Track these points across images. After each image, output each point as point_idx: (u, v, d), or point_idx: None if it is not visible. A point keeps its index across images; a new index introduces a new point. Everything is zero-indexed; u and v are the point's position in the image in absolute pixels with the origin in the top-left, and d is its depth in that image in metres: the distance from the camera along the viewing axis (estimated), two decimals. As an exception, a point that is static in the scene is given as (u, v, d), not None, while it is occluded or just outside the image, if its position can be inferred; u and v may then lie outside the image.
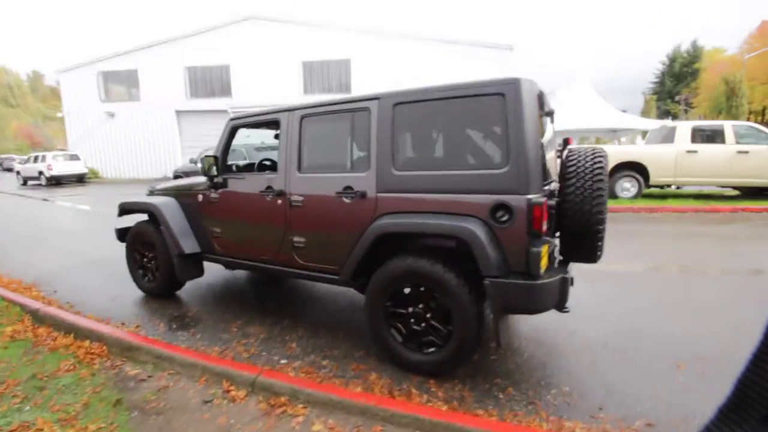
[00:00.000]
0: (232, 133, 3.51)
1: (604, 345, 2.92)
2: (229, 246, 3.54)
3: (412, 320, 2.59)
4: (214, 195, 3.56)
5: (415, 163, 2.60)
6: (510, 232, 2.27)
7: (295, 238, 3.07)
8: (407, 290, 2.58)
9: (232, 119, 3.50)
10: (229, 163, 3.75)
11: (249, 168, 4.03)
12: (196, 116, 21.81)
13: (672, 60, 51.77)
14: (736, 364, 2.12)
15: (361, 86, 19.74)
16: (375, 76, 19.53)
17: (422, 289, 2.53)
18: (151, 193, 4.32)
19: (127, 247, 4.19)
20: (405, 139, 2.62)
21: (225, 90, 21.59)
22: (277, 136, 4.19)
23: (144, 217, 4.24)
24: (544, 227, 2.23)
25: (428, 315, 2.53)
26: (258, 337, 3.16)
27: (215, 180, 3.50)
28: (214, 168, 3.43)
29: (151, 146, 22.51)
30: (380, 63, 19.71)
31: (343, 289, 4.16)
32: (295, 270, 3.15)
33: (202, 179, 3.84)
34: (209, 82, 21.66)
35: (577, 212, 2.51)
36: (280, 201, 3.11)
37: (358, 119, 2.80)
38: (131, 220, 4.34)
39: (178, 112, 22.09)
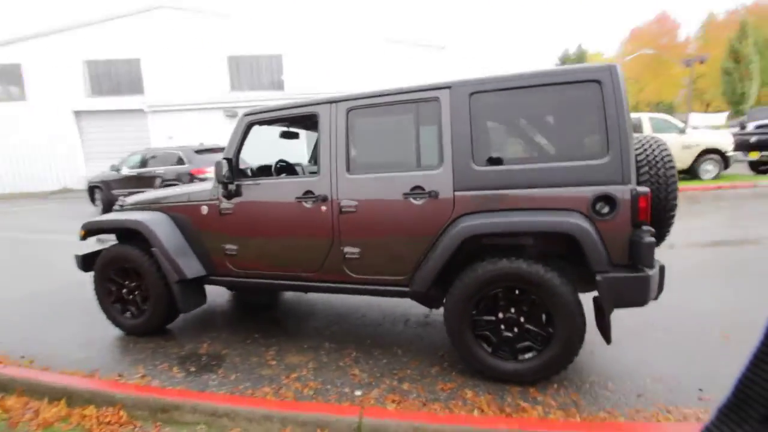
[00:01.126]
0: (246, 131, 2.96)
1: (680, 327, 3.02)
2: (250, 265, 3.00)
3: (503, 327, 2.40)
4: (226, 205, 2.98)
5: (499, 158, 2.40)
6: (612, 225, 2.19)
7: (347, 249, 2.67)
8: (494, 295, 2.38)
9: (246, 114, 2.95)
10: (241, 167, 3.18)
11: (266, 171, 3.46)
12: (100, 117, 19.00)
13: (562, 62, 58.34)
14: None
15: (295, 84, 18.89)
16: (310, 74, 18.81)
17: (517, 292, 2.35)
18: (122, 208, 3.52)
19: (96, 276, 3.35)
20: (485, 132, 2.41)
21: (135, 86, 19.12)
22: (285, 135, 3.71)
23: (113, 239, 3.45)
24: (649, 217, 2.19)
25: (522, 319, 2.36)
26: (306, 366, 2.71)
27: (230, 187, 2.93)
28: (228, 173, 2.86)
29: (43, 154, 19.12)
30: (315, 60, 19.03)
31: (365, 300, 3.81)
32: (345, 285, 2.75)
33: (199, 187, 3.22)
34: (115, 77, 18.98)
35: (653, 199, 2.52)
36: (324, 208, 2.69)
37: (424, 110, 2.51)
38: (89, 244, 3.49)
39: (77, 113, 19.04)
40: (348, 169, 2.65)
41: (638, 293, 2.18)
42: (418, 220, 2.50)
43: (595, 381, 2.41)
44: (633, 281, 2.16)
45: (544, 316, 2.32)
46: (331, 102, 2.69)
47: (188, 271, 3.07)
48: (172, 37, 18.58)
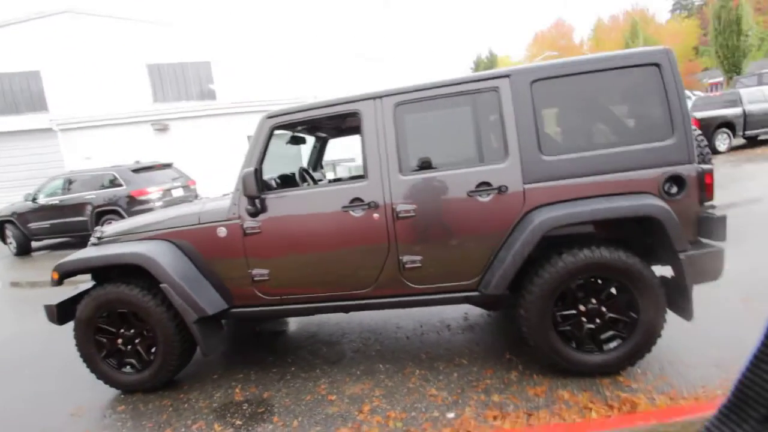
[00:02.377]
0: (269, 135, 2.57)
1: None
2: (286, 290, 2.61)
3: (584, 319, 2.33)
4: (251, 224, 2.56)
5: (567, 146, 2.32)
6: (682, 204, 2.22)
7: (406, 258, 2.43)
8: (573, 288, 2.30)
9: (269, 116, 2.56)
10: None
11: (289, 181, 3.04)
12: (-7, 140, 16.16)
13: (477, 66, 62.37)
14: None
15: (228, 93, 17.74)
16: (244, 83, 17.79)
17: (599, 282, 2.29)
18: (101, 240, 2.90)
19: (79, 328, 2.71)
20: (550, 120, 2.32)
21: (36, 103, 16.60)
22: (293, 140, 3.34)
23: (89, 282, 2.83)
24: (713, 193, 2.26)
25: (604, 309, 2.31)
26: (373, 395, 2.41)
27: (256, 203, 2.52)
28: (255, 185, 2.45)
29: None
30: (249, 68, 18.04)
31: (391, 313, 3.56)
32: (405, 298, 2.50)
33: (211, 206, 2.76)
34: (10, 94, 16.31)
35: None
36: (377, 215, 2.42)
37: (483, 101, 2.35)
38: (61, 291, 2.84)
39: (-40, 138, 16.00)
40: (401, 170, 2.40)
41: (716, 268, 2.23)
42: (486, 218, 2.34)
43: (671, 360, 2.44)
44: (712, 257, 2.21)
45: (629, 304, 2.29)
46: (375, 97, 2.43)
47: (209, 307, 2.59)
48: (79, 46, 16.42)
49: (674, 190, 2.23)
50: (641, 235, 2.45)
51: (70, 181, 9.29)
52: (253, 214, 2.54)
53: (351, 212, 2.44)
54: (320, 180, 3.76)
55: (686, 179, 2.21)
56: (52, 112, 16.34)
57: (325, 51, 18.73)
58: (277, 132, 2.63)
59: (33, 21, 15.99)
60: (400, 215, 2.39)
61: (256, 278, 2.61)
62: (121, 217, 8.63)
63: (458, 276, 2.43)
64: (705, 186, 2.23)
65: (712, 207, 2.29)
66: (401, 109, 2.41)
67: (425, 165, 2.44)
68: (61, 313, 2.77)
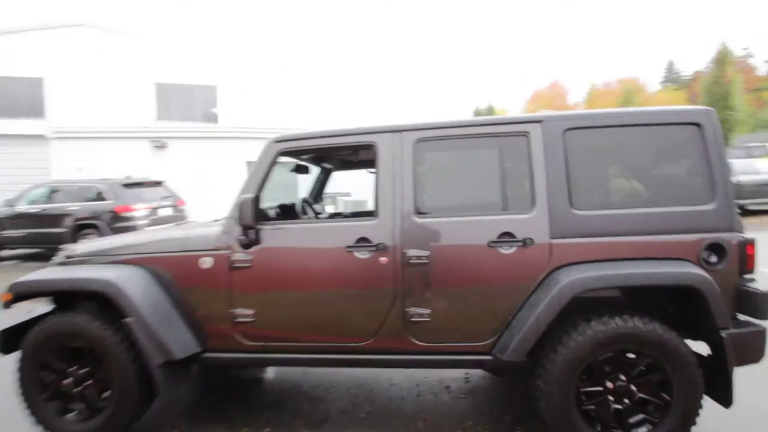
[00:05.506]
0: (274, 161, 2.34)
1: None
2: (272, 334, 2.28)
3: (611, 398, 2.03)
4: (241, 257, 2.27)
5: (599, 201, 2.13)
6: (720, 275, 2.01)
7: (413, 311, 2.14)
8: (600, 362, 2.02)
9: (277, 141, 2.34)
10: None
11: (289, 212, 2.78)
12: (-16, 142, 15.77)
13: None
14: None
15: (231, 116, 17.84)
16: (247, 109, 17.94)
17: (628, 356, 2.02)
18: (69, 260, 2.57)
19: (24, 360, 2.32)
20: (583, 172, 2.13)
21: (35, 109, 16.43)
22: (298, 168, 3.12)
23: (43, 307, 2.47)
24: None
25: (634, 387, 2.02)
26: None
27: (250, 233, 2.25)
28: (252, 215, 2.19)
29: None
30: (253, 95, 18.28)
31: (382, 374, 3.20)
32: (407, 357, 2.19)
33: (198, 233, 2.48)
34: (10, 97, 16.15)
35: None
36: (384, 259, 2.16)
37: (511, 146, 2.18)
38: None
39: (-51, 136, 15.60)
40: (416, 212, 2.17)
41: (758, 348, 2.00)
42: (506, 272, 2.09)
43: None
44: (755, 336, 1.98)
45: (662, 384, 2.01)
46: (394, 131, 2.24)
47: (179, 349, 2.24)
48: (86, 58, 16.55)
49: (714, 259, 2.03)
50: (669, 305, 2.22)
51: (54, 191, 8.92)
52: (246, 246, 2.26)
53: (356, 253, 2.18)
54: (320, 213, 3.52)
55: (727, 248, 2.01)
56: (49, 119, 16.15)
57: (330, 84, 19.13)
58: (282, 159, 2.41)
59: (45, 30, 16.16)
60: (411, 261, 2.13)
61: (238, 319, 2.29)
62: (101, 233, 8.21)
63: (471, 336, 2.14)
64: (746, 257, 2.03)
65: (752, 280, 2.08)
66: (422, 146, 2.22)
67: (444, 208, 2.22)
68: (6, 340, 2.39)
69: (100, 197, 8.55)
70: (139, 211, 8.45)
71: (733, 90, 20.50)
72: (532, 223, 2.09)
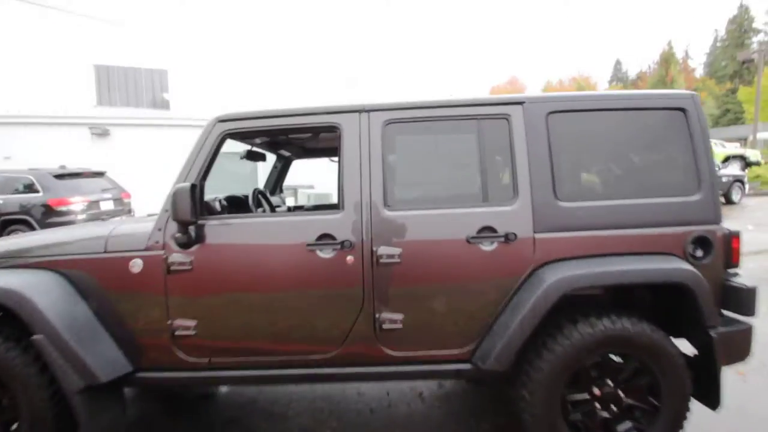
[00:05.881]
0: (219, 144, 1.98)
1: None
2: (220, 347, 1.95)
3: (598, 406, 1.89)
4: (179, 258, 1.91)
5: (585, 191, 1.96)
6: (706, 270, 1.90)
7: (385, 316, 1.89)
8: (587, 367, 1.87)
9: (221, 120, 1.98)
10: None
11: (240, 205, 2.40)
12: None
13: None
14: None
15: (184, 103, 16.70)
16: (203, 96, 16.84)
17: (615, 360, 1.87)
18: None
19: None
20: (567, 159, 1.95)
21: (-48, 91, 14.51)
22: (250, 156, 2.74)
23: None
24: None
25: (621, 393, 1.88)
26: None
27: (189, 230, 1.89)
28: (191, 208, 1.83)
29: None
30: (209, 81, 17.17)
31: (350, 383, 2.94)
32: (378, 369, 1.94)
33: (123, 230, 2.08)
34: None
35: None
36: (351, 258, 1.88)
37: (490, 129, 1.95)
38: None
39: None
40: (386, 204, 1.90)
41: (745, 347, 1.91)
42: (487, 271, 1.88)
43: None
44: (743, 334, 1.89)
45: (650, 388, 1.88)
46: (361, 111, 1.95)
47: (104, 371, 1.86)
48: (14, 36, 14.81)
49: (699, 253, 1.92)
50: (647, 302, 2.11)
51: (-29, 183, 7.85)
52: (184, 245, 1.90)
53: (318, 252, 1.88)
54: (278, 207, 3.17)
55: (713, 241, 1.91)
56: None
57: (299, 71, 18.35)
58: (231, 143, 2.05)
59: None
60: (382, 260, 1.87)
61: (178, 332, 1.93)
62: (32, 229, 7.35)
63: (448, 343, 1.92)
64: (732, 250, 1.94)
65: (735, 275, 2.00)
66: (392, 129, 1.94)
67: (417, 200, 1.97)
68: None
69: (30, 189, 7.63)
70: (77, 204, 7.62)
71: (676, 87, 21.85)
72: (514, 216, 1.88)
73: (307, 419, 2.42)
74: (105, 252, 1.98)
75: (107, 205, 8.15)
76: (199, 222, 1.91)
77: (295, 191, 9.24)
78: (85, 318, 1.93)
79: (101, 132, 13.49)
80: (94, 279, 1.97)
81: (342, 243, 1.87)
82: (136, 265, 1.94)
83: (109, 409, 1.97)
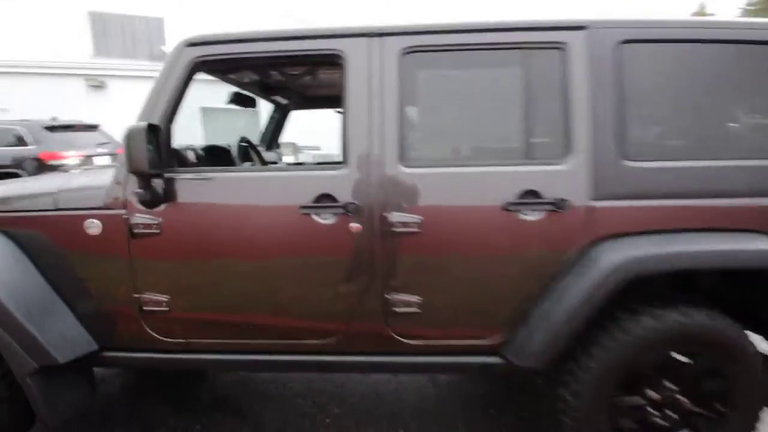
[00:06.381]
0: (189, 75, 1.55)
1: None
2: (196, 325, 1.62)
3: (654, 412, 1.56)
4: (143, 219, 1.54)
5: (663, 149, 1.53)
6: None
7: (397, 298, 1.53)
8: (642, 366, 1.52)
9: (191, 43, 1.53)
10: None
11: (221, 157, 2.01)
12: None
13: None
14: None
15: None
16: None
17: (681, 359, 1.52)
18: None
19: None
20: (642, 106, 1.50)
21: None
22: (237, 99, 2.31)
23: None
24: None
25: (683, 398, 1.55)
26: None
27: (154, 185, 1.50)
28: (155, 156, 1.44)
29: None
30: (209, 29, 16.17)
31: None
32: (388, 359, 1.61)
33: (78, 182, 1.71)
34: None
35: None
36: (356, 225, 1.50)
37: (539, 63, 1.50)
38: None
39: None
40: (402, 159, 1.49)
41: None
42: (527, 246, 1.49)
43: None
44: None
45: (720, 393, 1.54)
46: (370, 34, 1.49)
47: (60, 351, 1.55)
48: (2, -24, 13.86)
49: None
50: (714, 289, 1.73)
51: (-39, 134, 7.48)
52: (149, 203, 1.52)
53: (314, 216, 1.50)
54: (273, 163, 2.76)
55: None
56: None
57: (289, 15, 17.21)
58: (204, 76, 1.62)
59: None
60: (395, 229, 1.48)
61: (147, 307, 1.60)
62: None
63: (473, 331, 1.57)
64: None
65: None
66: (412, 60, 1.49)
67: (442, 155, 1.56)
68: None
69: (20, 142, 7.27)
70: (70, 158, 7.25)
71: None
72: (566, 178, 1.46)
73: (307, 403, 2.14)
74: (55, 209, 1.61)
75: (102, 160, 7.77)
76: (167, 175, 1.53)
77: (294, 146, 8.66)
78: (37, 288, 1.60)
79: (98, 84, 12.94)
80: (47, 241, 1.62)
81: (345, 206, 1.48)
82: (93, 226, 1.58)
83: (71, 391, 1.68)
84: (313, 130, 8.12)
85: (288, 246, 1.54)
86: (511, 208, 1.46)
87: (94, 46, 15.66)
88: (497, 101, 1.56)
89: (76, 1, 14.94)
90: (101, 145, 7.91)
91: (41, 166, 7.12)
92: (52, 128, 7.40)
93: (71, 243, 1.60)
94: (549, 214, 1.47)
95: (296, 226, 1.51)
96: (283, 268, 1.56)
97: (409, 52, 1.48)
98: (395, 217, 1.48)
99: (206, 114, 12.62)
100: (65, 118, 8.34)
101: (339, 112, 2.94)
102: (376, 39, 1.48)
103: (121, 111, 11.71)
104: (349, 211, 1.48)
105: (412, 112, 1.51)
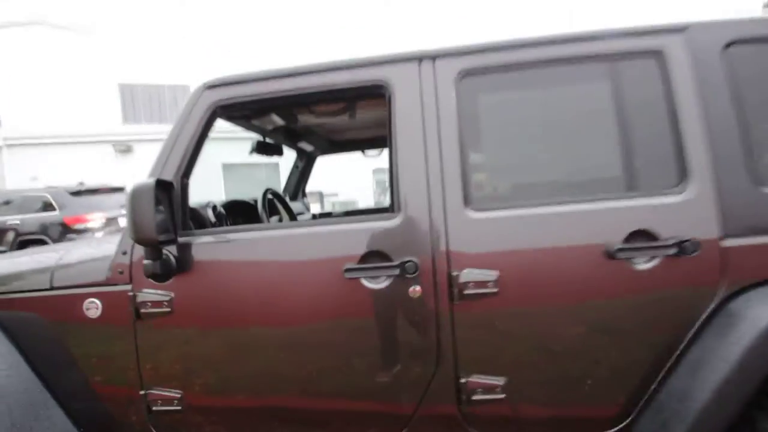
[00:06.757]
0: (209, 121, 1.32)
1: None
2: (228, 428, 1.28)
3: None
4: (152, 295, 1.26)
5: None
6: None
7: (475, 381, 1.17)
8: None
9: (210, 86, 1.32)
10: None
11: (247, 211, 1.76)
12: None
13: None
14: None
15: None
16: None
17: None
18: None
19: None
20: (761, 118, 1.19)
21: (-15, 117, 14.91)
22: (261, 148, 2.11)
23: None
24: None
25: None
26: None
27: (165, 254, 1.23)
28: (162, 217, 1.19)
29: None
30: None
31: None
32: None
33: (79, 254, 1.46)
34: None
35: None
36: (416, 288, 1.17)
37: (630, 76, 1.22)
38: None
39: None
40: (467, 201, 1.19)
41: None
42: (643, 304, 1.13)
43: None
44: None
45: None
46: (421, 58, 1.25)
47: None
48: (42, 59, 15.14)
49: None
50: None
51: (-6, 203, 7.67)
52: (159, 276, 1.24)
53: (363, 281, 1.19)
54: (301, 215, 2.50)
55: None
56: (4, 127, 14.67)
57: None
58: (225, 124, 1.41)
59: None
60: (467, 291, 1.15)
61: (156, 406, 1.28)
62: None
63: (577, 415, 1.18)
64: None
65: None
66: (472, 84, 1.23)
67: (517, 193, 1.25)
68: None
69: (47, 207, 7.36)
70: (94, 221, 7.28)
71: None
72: (686, 212, 1.13)
73: None
74: (51, 288, 1.35)
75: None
76: (181, 240, 1.26)
77: (320, 195, 8.49)
78: (25, 387, 1.31)
79: (125, 149, 13.47)
80: (40, 327, 1.35)
81: (401, 266, 1.17)
82: (93, 307, 1.30)
83: None
84: (325, 175, 8.03)
85: (332, 318, 1.22)
86: (618, 255, 1.12)
87: (122, 114, 16.61)
88: (583, 123, 1.26)
89: (107, 74, 16.07)
90: (125, 206, 7.97)
91: (65, 231, 7.14)
92: (77, 193, 7.50)
93: (67, 329, 1.32)
94: (669, 259, 1.12)
95: (341, 293, 1.20)
96: (327, 346, 1.23)
97: (467, 75, 1.23)
98: (465, 275, 1.15)
99: (227, 171, 12.89)
100: (92, 182, 8.51)
101: (367, 155, 2.72)
102: (428, 62, 1.24)
103: (147, 171, 12.15)
104: (406, 271, 1.17)
105: (475, 144, 1.23)
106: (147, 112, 16.84)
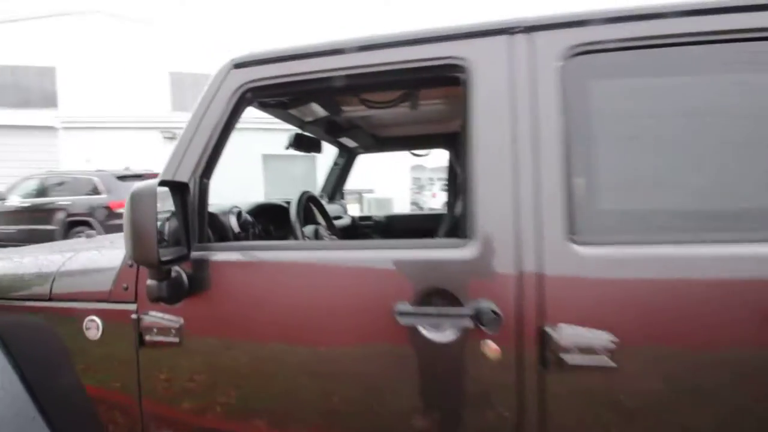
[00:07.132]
0: (237, 109, 1.07)
1: None
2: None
3: None
4: (158, 320, 1.02)
5: None
6: None
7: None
8: None
9: (238, 64, 1.06)
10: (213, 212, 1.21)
11: (278, 217, 1.53)
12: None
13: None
14: None
15: (252, 109, 16.87)
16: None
17: None
18: None
19: None
20: None
21: (48, 99, 15.92)
22: (298, 143, 1.86)
23: None
24: None
25: None
26: None
27: (174, 273, 0.99)
28: (173, 227, 0.94)
29: None
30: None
31: None
32: None
33: (74, 263, 1.24)
34: (23, 88, 15.68)
35: None
36: (494, 347, 0.86)
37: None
38: None
39: (-35, 127, 15.22)
40: (573, 231, 0.86)
41: None
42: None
43: None
44: None
45: None
46: (512, 29, 0.92)
47: None
48: (100, 46, 15.91)
49: None
50: None
51: (46, 183, 8.02)
52: (165, 298, 1.00)
53: (421, 328, 0.89)
54: (338, 218, 2.22)
55: None
56: (62, 110, 15.59)
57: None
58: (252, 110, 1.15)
59: (57, 17, 15.59)
60: (568, 360, 0.83)
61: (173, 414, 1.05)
62: (95, 231, 7.33)
63: None
64: None
65: None
66: (585, 65, 0.89)
67: (646, 221, 0.90)
68: None
69: (94, 191, 7.61)
70: (138, 207, 7.44)
71: None
72: None
73: None
74: (50, 299, 1.15)
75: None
76: (195, 255, 1.01)
77: (360, 196, 8.26)
78: (14, 413, 1.12)
79: (171, 136, 13.88)
80: (39, 341, 1.16)
81: (475, 314, 0.86)
82: (93, 327, 1.09)
83: None
84: (360, 170, 7.76)
85: (376, 376, 0.93)
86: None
87: (171, 102, 17.21)
88: (741, 125, 0.88)
89: (159, 62, 16.69)
90: (169, 192, 8.12)
91: (110, 215, 7.35)
92: (123, 177, 7.70)
93: (64, 348, 1.12)
94: None
95: (390, 343, 0.90)
96: (367, 412, 0.94)
97: (577, 54, 0.89)
98: (564, 334, 0.83)
99: (267, 162, 12.99)
100: (137, 167, 8.73)
101: (416, 154, 2.41)
102: (522, 36, 0.91)
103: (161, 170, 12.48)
104: (481, 321, 0.86)
105: (587, 150, 0.89)
106: (193, 100, 17.38)
